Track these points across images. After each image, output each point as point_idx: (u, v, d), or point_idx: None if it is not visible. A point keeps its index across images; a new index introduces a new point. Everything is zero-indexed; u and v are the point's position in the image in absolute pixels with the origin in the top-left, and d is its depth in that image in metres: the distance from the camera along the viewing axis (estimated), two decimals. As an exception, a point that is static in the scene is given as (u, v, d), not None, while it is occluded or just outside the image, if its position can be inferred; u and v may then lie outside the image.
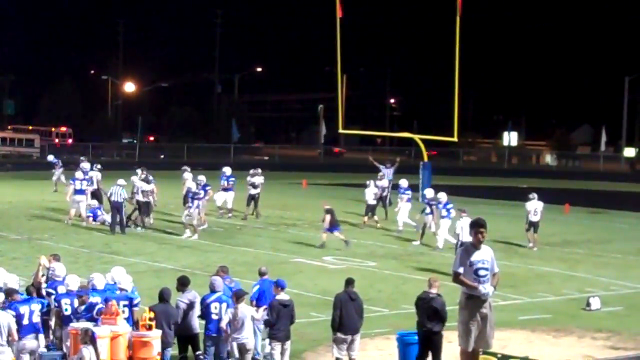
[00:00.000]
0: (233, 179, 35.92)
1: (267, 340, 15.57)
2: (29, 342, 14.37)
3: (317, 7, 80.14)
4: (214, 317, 15.39)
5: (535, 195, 31.71)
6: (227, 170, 36.07)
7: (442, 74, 60.90)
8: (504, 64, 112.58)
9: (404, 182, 34.24)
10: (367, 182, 35.73)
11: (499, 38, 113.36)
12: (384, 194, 37.61)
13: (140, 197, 32.36)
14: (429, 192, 31.60)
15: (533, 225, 31.12)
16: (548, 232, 35.51)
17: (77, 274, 16.68)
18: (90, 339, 13.42)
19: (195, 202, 31.15)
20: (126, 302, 15.07)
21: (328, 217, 29.78)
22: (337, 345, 15.61)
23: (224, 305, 15.38)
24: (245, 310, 15.23)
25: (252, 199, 36.04)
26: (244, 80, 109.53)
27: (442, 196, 30.20)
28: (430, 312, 15.11)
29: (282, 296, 15.56)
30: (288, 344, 15.56)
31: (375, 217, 35.42)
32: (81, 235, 30.95)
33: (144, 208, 32.54)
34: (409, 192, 33.94)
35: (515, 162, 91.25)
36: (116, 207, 31.44)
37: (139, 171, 33.78)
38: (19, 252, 26.54)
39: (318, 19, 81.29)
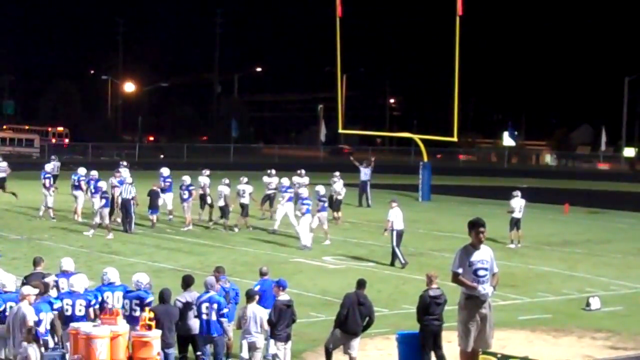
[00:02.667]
0: (170, 180, 34.81)
1: (272, 341, 15.61)
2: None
3: (317, 7, 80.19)
4: (204, 316, 15.41)
5: (519, 193, 31.88)
6: (165, 171, 35.14)
7: (442, 74, 60.92)
8: (503, 64, 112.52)
9: (285, 181, 33.36)
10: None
11: (499, 38, 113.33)
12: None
13: (243, 200, 33.14)
14: (321, 189, 31.15)
15: (516, 223, 31.25)
16: (548, 232, 35.57)
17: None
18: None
19: (103, 200, 31.14)
20: (137, 301, 15.17)
21: (148, 199, 32.64)
22: (334, 341, 15.65)
23: (215, 305, 15.40)
24: (256, 310, 15.29)
25: (268, 198, 36.24)
26: (244, 80, 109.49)
27: (285, 181, 31.29)
28: (443, 307, 15.36)
29: (283, 297, 15.58)
30: (289, 344, 15.62)
31: (336, 214, 36.01)
32: (81, 235, 30.94)
33: (245, 209, 33.28)
34: (291, 190, 32.86)
35: (515, 162, 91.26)
36: (125, 205, 31.71)
37: (206, 172, 34.85)
38: (19, 252, 26.53)
39: (318, 19, 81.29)
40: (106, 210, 31.07)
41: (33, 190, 43.84)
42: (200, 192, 34.47)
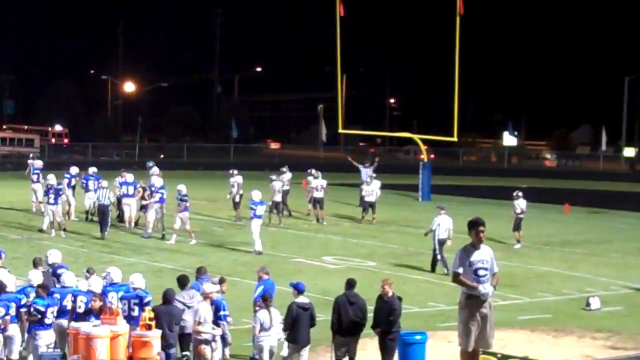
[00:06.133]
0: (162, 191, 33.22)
1: (285, 344, 15.55)
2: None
3: (317, 7, 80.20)
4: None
5: (521, 194, 31.92)
6: (157, 181, 33.34)
7: (442, 73, 60.92)
8: (503, 64, 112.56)
9: (158, 181, 32.23)
10: (364, 180, 37.74)
11: (499, 38, 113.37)
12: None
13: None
14: (183, 188, 30.55)
15: (519, 223, 31.26)
16: (548, 232, 35.57)
17: (76, 274, 16.73)
18: None
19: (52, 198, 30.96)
20: (136, 301, 15.22)
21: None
22: (337, 347, 15.60)
23: (213, 307, 15.45)
24: (269, 313, 15.24)
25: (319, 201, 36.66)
26: (244, 80, 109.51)
27: (182, 188, 30.60)
28: (394, 314, 15.55)
29: (301, 299, 15.47)
30: (306, 349, 15.45)
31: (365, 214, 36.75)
32: (81, 235, 30.94)
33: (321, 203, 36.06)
34: (163, 191, 31.72)
35: (515, 162, 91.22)
36: (102, 210, 30.80)
37: (313, 171, 36.63)
38: (19, 252, 26.53)
39: (318, 19, 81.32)
40: (51, 207, 30.85)
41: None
42: (234, 192, 35.15)
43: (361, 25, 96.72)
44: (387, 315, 15.51)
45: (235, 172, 36.10)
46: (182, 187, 30.48)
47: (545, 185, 58.66)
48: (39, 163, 36.74)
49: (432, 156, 79.17)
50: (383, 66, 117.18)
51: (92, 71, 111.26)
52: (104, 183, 31.78)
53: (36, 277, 15.76)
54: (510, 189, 34.42)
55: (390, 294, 15.61)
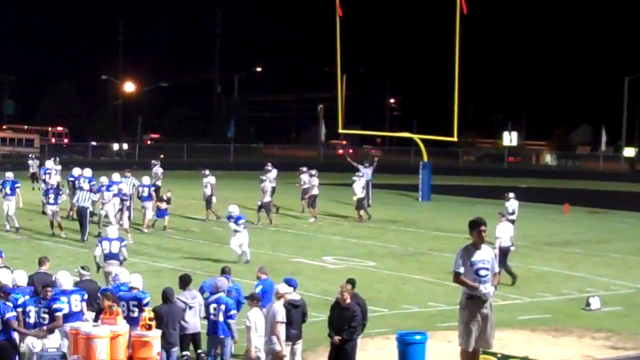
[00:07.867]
0: (18, 184, 33.23)
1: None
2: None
3: (317, 7, 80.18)
4: (212, 317, 15.51)
5: (512, 195, 31.90)
6: (10, 175, 33.73)
7: (442, 74, 60.88)
8: (503, 63, 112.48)
9: (115, 176, 32.29)
10: (354, 178, 37.30)
11: (499, 38, 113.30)
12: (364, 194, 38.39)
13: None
14: (124, 187, 30.66)
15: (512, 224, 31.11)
16: (548, 232, 35.55)
17: (74, 274, 16.74)
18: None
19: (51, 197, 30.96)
20: (135, 302, 15.20)
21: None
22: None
23: (223, 306, 15.43)
24: (255, 314, 15.21)
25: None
26: (244, 80, 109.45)
27: (122, 187, 30.56)
28: (356, 320, 15.26)
29: (293, 296, 15.45)
30: (299, 343, 15.51)
31: (362, 212, 36.87)
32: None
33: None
34: (114, 187, 31.05)
35: (515, 161, 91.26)
36: (81, 213, 30.03)
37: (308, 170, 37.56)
38: (19, 252, 26.52)
39: (318, 19, 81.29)
40: (51, 207, 30.82)
41: (33, 190, 43.92)
42: (207, 192, 35.09)
43: (361, 25, 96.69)
44: (348, 322, 15.20)
45: (207, 172, 35.95)
46: (123, 186, 30.74)
47: (545, 185, 58.67)
48: (50, 163, 36.56)
49: (351, 150, 79.43)
50: (383, 66, 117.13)
51: (92, 71, 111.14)
52: (86, 185, 31.02)
53: (21, 277, 15.69)
54: (510, 189, 34.35)
55: (348, 300, 15.34)
